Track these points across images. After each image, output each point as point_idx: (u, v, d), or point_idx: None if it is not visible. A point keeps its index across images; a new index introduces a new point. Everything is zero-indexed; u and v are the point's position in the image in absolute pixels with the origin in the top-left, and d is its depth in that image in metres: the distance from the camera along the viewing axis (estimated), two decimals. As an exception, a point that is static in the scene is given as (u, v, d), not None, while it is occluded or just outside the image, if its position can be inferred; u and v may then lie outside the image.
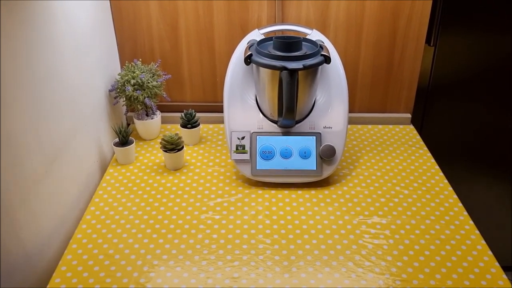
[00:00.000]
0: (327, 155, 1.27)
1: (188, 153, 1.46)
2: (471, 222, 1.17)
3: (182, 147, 1.37)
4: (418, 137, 1.57)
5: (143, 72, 1.44)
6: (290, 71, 1.16)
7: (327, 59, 1.23)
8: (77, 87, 1.22)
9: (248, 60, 1.24)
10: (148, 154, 1.45)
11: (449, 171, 1.39)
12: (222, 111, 1.34)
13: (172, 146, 1.34)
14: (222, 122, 1.37)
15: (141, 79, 1.42)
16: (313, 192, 1.28)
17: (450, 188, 1.30)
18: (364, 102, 1.63)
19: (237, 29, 1.51)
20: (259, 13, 1.48)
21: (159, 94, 1.48)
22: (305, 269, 1.03)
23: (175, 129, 1.57)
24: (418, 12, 1.47)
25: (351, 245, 1.10)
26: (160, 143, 1.36)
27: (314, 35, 1.34)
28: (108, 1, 1.47)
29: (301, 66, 1.16)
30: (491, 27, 1.61)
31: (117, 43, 1.55)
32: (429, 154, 1.46)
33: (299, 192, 1.28)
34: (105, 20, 1.45)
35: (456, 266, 1.03)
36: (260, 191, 1.28)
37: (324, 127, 1.30)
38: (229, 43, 1.53)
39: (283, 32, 1.39)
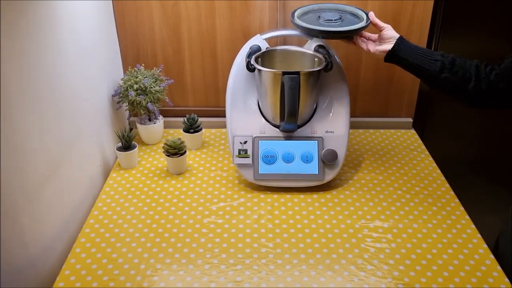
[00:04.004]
0: (329, 159, 1.28)
1: (190, 158, 1.46)
2: (473, 226, 1.17)
3: (185, 151, 1.38)
4: (420, 141, 1.57)
5: (146, 77, 1.45)
6: (292, 75, 1.17)
7: (328, 64, 1.24)
8: (80, 92, 1.23)
9: (251, 66, 1.25)
10: (150, 159, 1.46)
11: (451, 175, 1.39)
12: (224, 116, 1.35)
13: (175, 150, 1.35)
14: (224, 126, 1.38)
15: (144, 84, 1.43)
16: (315, 196, 1.28)
17: (452, 192, 1.30)
18: (365, 106, 1.64)
19: (239, 34, 1.52)
20: (261, 18, 1.49)
21: (162, 99, 1.49)
22: (307, 272, 1.03)
23: (178, 134, 1.58)
24: (419, 17, 1.48)
25: (353, 248, 1.10)
26: (163, 147, 1.37)
27: (316, 40, 1.34)
28: (111, 6, 1.48)
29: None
30: (492, 31, 1.62)
31: (120, 48, 1.56)
32: (431, 159, 1.47)
33: (301, 196, 1.28)
34: (108, 26, 1.47)
35: (458, 270, 1.04)
36: (262, 195, 1.29)
37: (326, 132, 1.31)
38: (231, 48, 1.53)
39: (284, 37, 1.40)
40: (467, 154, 1.84)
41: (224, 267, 1.05)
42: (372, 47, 1.19)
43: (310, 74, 1.22)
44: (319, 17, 1.24)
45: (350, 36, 1.21)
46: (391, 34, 1.17)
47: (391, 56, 1.15)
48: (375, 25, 1.19)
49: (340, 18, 1.23)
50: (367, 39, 1.21)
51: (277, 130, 1.31)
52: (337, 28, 1.20)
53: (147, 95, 1.44)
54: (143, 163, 1.44)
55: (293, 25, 1.49)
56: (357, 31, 1.19)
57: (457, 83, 1.08)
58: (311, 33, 1.21)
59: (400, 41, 1.15)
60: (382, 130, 1.64)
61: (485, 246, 1.10)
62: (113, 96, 1.46)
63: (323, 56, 1.27)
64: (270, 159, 1.29)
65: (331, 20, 1.22)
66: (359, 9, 1.26)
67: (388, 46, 1.15)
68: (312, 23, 1.21)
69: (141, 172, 1.39)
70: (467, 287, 0.99)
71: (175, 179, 1.36)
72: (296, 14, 1.26)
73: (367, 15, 1.21)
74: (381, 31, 1.18)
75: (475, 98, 1.08)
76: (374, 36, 1.21)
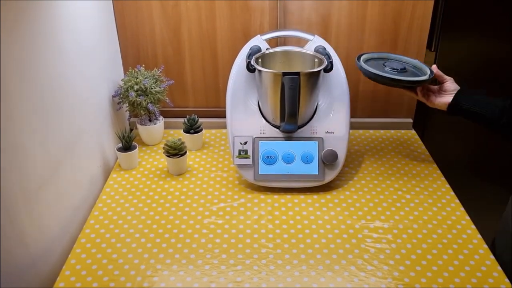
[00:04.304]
0: (329, 160, 1.28)
1: (191, 158, 1.47)
2: (473, 226, 1.17)
3: (185, 152, 1.38)
4: (420, 142, 1.57)
5: (146, 77, 1.45)
6: (292, 76, 1.17)
7: (328, 65, 1.25)
8: (81, 93, 1.23)
9: (251, 67, 1.25)
10: (151, 159, 1.46)
11: (451, 175, 1.39)
12: (224, 117, 1.35)
13: (175, 151, 1.35)
14: (224, 127, 1.38)
15: (144, 85, 1.43)
16: (315, 196, 1.29)
17: (452, 193, 1.30)
18: (366, 107, 1.64)
19: (239, 35, 1.52)
20: (261, 19, 1.49)
21: (162, 99, 1.49)
22: (307, 273, 1.03)
23: (178, 135, 1.58)
24: (419, 17, 1.48)
25: (353, 249, 1.10)
26: (163, 148, 1.37)
27: (316, 41, 1.35)
28: (112, 7, 1.48)
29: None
30: (491, 31, 1.62)
31: (120, 49, 1.56)
32: (431, 159, 1.47)
33: (302, 196, 1.28)
34: (109, 26, 1.47)
35: (459, 270, 1.04)
36: (262, 196, 1.29)
37: (326, 132, 1.31)
38: (231, 48, 1.54)
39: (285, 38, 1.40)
40: (467, 154, 1.84)
41: (224, 268, 1.05)
42: (434, 99, 1.23)
43: (310, 74, 1.22)
44: (384, 65, 1.30)
45: (413, 86, 1.25)
46: (453, 87, 1.22)
47: (454, 108, 1.20)
48: (438, 77, 1.24)
49: (405, 69, 1.28)
50: (428, 91, 1.26)
51: (277, 130, 1.31)
52: (403, 77, 1.23)
53: (147, 95, 1.44)
54: (143, 163, 1.44)
55: (291, 27, 1.51)
56: (422, 83, 1.23)
57: None
58: (377, 79, 1.25)
59: (459, 93, 1.20)
60: (382, 131, 1.64)
61: (485, 246, 1.10)
62: (113, 96, 1.47)
63: (324, 57, 1.27)
64: (270, 160, 1.29)
65: (397, 69, 1.27)
66: (421, 63, 1.31)
67: (450, 98, 1.20)
68: (378, 69, 1.26)
69: (142, 173, 1.39)
70: (467, 287, 0.99)
71: (176, 179, 1.37)
72: (362, 58, 1.31)
73: (429, 69, 1.26)
74: (443, 83, 1.23)
75: None
76: (435, 88, 1.25)
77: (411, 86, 1.26)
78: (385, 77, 1.22)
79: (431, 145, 1.56)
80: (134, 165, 1.42)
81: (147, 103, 1.44)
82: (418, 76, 1.25)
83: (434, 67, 1.25)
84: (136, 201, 1.27)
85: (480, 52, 1.66)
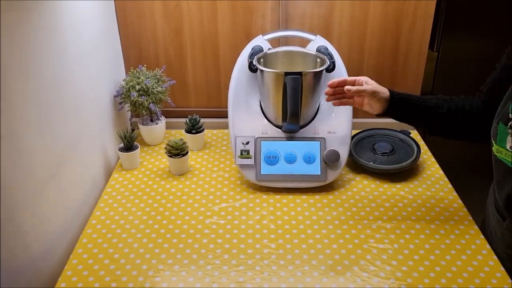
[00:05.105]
0: (331, 160, 1.28)
1: (192, 158, 1.46)
2: (476, 227, 1.17)
3: (187, 152, 1.38)
4: (422, 142, 1.57)
5: (148, 77, 1.45)
6: (294, 76, 1.17)
7: (330, 65, 1.24)
8: (83, 93, 1.23)
9: (253, 67, 1.25)
10: (152, 159, 1.46)
11: (453, 176, 1.38)
12: (226, 117, 1.34)
13: (177, 151, 1.35)
14: (226, 127, 1.38)
15: (146, 85, 1.43)
16: (317, 197, 1.28)
17: (455, 193, 1.30)
18: (367, 107, 1.63)
19: (241, 35, 1.52)
20: (263, 19, 1.49)
21: (164, 99, 1.49)
22: (310, 273, 1.03)
23: (180, 135, 1.58)
24: (421, 18, 1.48)
25: (355, 249, 1.10)
26: (165, 148, 1.37)
27: (318, 41, 1.35)
28: (114, 8, 1.48)
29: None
30: (493, 32, 1.62)
31: (122, 49, 1.56)
32: (433, 159, 1.46)
33: (304, 197, 1.28)
34: (111, 27, 1.47)
35: (461, 271, 1.03)
36: (264, 196, 1.29)
37: (328, 132, 1.31)
38: (233, 49, 1.53)
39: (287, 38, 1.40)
40: (470, 155, 1.84)
41: (226, 268, 1.04)
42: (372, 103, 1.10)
43: (312, 74, 1.22)
44: (374, 148, 1.42)
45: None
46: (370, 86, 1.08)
47: (393, 99, 1.10)
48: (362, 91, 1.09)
49: (393, 149, 1.41)
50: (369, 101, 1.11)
51: (279, 130, 1.31)
52: (395, 165, 1.36)
53: (149, 95, 1.44)
54: (145, 163, 1.44)
55: (292, 28, 1.51)
56: (411, 165, 1.36)
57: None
58: (376, 170, 1.36)
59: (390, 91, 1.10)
60: (384, 131, 1.63)
61: (488, 247, 1.10)
62: (115, 96, 1.46)
63: (326, 57, 1.27)
64: (272, 160, 1.29)
65: (386, 152, 1.40)
66: (405, 134, 1.47)
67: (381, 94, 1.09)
68: (367, 153, 1.41)
69: (143, 173, 1.39)
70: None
71: (177, 179, 1.36)
72: (353, 141, 1.44)
73: (416, 144, 1.41)
74: (362, 88, 1.08)
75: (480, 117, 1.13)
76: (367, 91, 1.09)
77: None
78: (380, 169, 1.35)
79: (434, 145, 1.55)
80: (135, 165, 1.42)
81: (149, 103, 1.44)
82: (408, 150, 1.40)
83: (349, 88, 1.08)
84: (138, 201, 1.27)
85: (482, 53, 1.65)
